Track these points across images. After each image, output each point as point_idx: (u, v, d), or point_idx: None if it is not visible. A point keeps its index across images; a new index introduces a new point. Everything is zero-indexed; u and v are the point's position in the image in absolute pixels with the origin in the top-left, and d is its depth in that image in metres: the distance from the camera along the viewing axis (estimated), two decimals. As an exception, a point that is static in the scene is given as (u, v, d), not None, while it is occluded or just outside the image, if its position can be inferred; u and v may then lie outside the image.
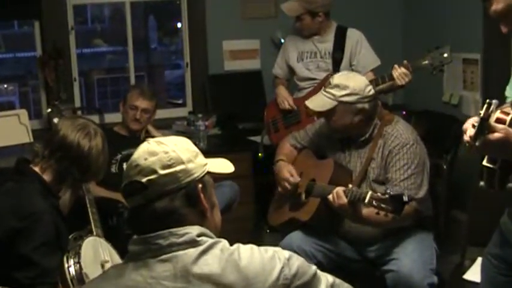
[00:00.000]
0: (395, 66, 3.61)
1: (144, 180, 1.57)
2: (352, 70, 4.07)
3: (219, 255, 1.55)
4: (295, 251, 2.91)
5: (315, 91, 4.13)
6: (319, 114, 3.17)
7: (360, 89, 3.03)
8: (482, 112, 1.73)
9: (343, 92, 3.02)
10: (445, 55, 3.52)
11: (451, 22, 4.73)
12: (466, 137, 1.87)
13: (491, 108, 1.73)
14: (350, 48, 4.14)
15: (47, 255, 2.31)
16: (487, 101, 1.73)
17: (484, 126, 1.75)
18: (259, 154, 4.31)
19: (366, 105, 3.04)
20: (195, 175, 1.60)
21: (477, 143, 1.77)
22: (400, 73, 3.58)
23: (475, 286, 2.68)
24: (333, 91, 3.04)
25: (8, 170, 2.55)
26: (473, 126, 1.79)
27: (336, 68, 4.11)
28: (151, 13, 8.30)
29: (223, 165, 1.76)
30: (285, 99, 4.25)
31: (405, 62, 3.62)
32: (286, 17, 4.37)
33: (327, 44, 4.18)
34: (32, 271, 2.26)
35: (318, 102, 3.10)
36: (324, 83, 4.06)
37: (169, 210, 1.57)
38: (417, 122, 4.28)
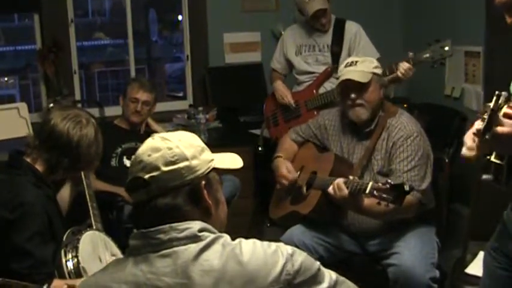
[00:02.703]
0: (399, 63, 3.60)
1: (146, 176, 1.55)
2: None
3: (220, 251, 1.53)
4: (296, 245, 2.93)
5: (314, 84, 4.12)
6: (356, 89, 3.06)
7: (379, 64, 3.16)
8: (492, 104, 1.71)
9: (374, 65, 3.10)
10: (446, 48, 3.50)
11: (453, 14, 4.71)
12: (468, 144, 1.86)
13: (500, 100, 1.71)
14: (349, 41, 4.12)
15: (40, 245, 2.30)
16: (496, 92, 1.72)
17: (494, 118, 1.73)
18: (259, 148, 4.30)
19: (385, 80, 3.20)
20: (199, 172, 1.58)
21: (487, 136, 1.76)
22: (405, 69, 3.57)
23: (476, 280, 2.67)
24: (365, 64, 3.08)
25: (3, 163, 2.53)
26: (483, 119, 1.77)
27: (335, 61, 4.09)
28: (152, 6, 8.27)
29: (231, 161, 1.74)
30: (283, 94, 4.22)
31: (410, 54, 3.60)
32: (287, 10, 4.35)
33: (325, 37, 4.15)
34: (26, 261, 2.26)
35: (357, 75, 3.05)
36: (323, 76, 4.06)
37: (171, 207, 1.55)
38: (419, 115, 4.27)
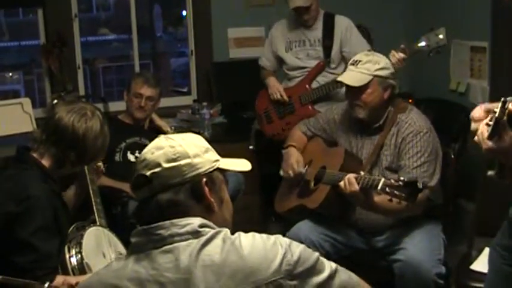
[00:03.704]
0: (393, 51, 3.58)
1: (148, 173, 1.58)
2: (343, 57, 4.10)
3: (220, 245, 1.54)
4: (302, 241, 2.91)
5: (307, 79, 4.11)
6: (353, 90, 3.08)
7: (389, 64, 3.13)
8: (497, 111, 1.69)
9: (377, 66, 3.06)
10: (441, 36, 3.52)
11: (458, 9, 4.68)
12: (475, 128, 1.83)
13: (506, 106, 1.69)
14: (340, 35, 4.11)
15: (45, 239, 2.30)
16: (502, 99, 1.69)
17: (499, 126, 1.71)
18: (250, 147, 4.30)
19: (393, 82, 3.12)
20: (201, 169, 1.60)
21: (491, 143, 1.75)
22: (398, 58, 3.54)
23: (482, 277, 2.66)
24: (366, 66, 3.06)
25: (10, 158, 2.53)
26: (488, 124, 1.75)
27: (327, 55, 4.09)
28: (156, 1, 8.26)
29: (238, 164, 1.75)
30: (277, 90, 4.21)
31: (402, 46, 3.59)
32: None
33: (315, 31, 4.14)
34: (31, 255, 2.26)
35: (354, 78, 3.06)
36: (316, 71, 4.05)
37: (173, 203, 1.57)
38: (425, 110, 4.25)
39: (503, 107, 1.69)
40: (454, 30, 4.63)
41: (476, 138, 1.84)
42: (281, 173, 3.43)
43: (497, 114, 1.70)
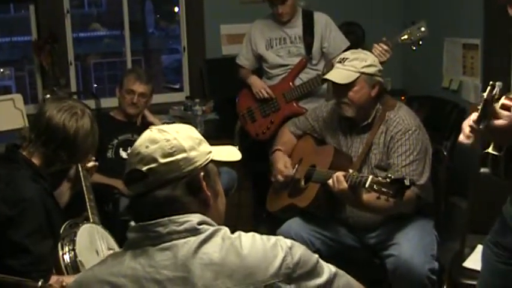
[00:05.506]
0: (375, 44, 3.59)
1: (144, 168, 1.54)
2: (323, 53, 4.10)
3: (220, 244, 1.52)
4: (293, 238, 2.91)
5: (290, 76, 4.10)
6: (340, 87, 3.07)
7: (376, 62, 3.12)
8: (485, 94, 1.70)
9: (364, 64, 3.05)
10: (422, 29, 3.55)
11: (451, 6, 4.69)
12: (465, 131, 1.84)
13: (494, 91, 1.70)
14: (320, 31, 4.10)
15: (39, 241, 2.27)
16: (491, 83, 1.71)
17: (487, 109, 1.72)
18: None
19: (381, 79, 3.11)
20: (198, 163, 1.57)
21: (481, 126, 1.75)
22: (381, 50, 3.55)
23: (474, 274, 2.66)
24: (353, 63, 3.05)
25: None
26: (477, 110, 1.76)
27: (309, 52, 4.08)
28: (148, -3, 8.27)
29: (229, 153, 1.73)
30: (262, 88, 4.18)
31: (384, 39, 3.61)
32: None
33: (295, 29, 4.13)
34: (25, 258, 2.23)
35: (340, 75, 3.06)
36: (299, 68, 4.04)
37: (170, 199, 1.54)
38: (417, 108, 4.26)
39: (492, 90, 1.70)
40: (447, 28, 4.64)
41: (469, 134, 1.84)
42: (272, 178, 3.42)
43: (485, 97, 1.71)
